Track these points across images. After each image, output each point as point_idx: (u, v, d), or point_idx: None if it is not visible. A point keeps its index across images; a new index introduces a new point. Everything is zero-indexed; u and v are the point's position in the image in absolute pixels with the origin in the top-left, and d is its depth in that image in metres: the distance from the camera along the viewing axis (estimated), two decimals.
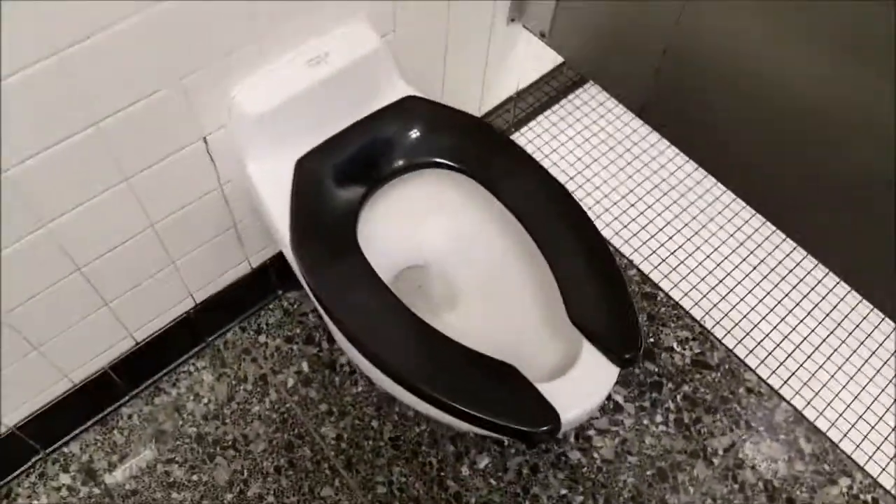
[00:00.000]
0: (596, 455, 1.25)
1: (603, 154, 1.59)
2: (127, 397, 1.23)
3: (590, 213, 1.51)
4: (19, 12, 0.67)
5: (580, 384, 0.86)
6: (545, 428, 0.82)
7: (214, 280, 1.21)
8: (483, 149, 1.02)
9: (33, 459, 1.18)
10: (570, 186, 1.54)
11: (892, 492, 1.25)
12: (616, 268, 0.95)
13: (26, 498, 1.15)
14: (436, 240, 1.12)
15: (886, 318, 1.42)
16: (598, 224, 1.49)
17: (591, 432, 1.27)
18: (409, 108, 1.02)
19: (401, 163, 1.00)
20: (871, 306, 1.43)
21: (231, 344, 1.31)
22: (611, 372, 0.88)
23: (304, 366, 1.29)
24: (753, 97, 1.02)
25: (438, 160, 1.00)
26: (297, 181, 0.95)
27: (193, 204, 1.04)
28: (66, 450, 1.20)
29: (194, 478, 1.18)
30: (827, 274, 1.46)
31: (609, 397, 1.30)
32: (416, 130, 1.01)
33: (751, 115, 1.05)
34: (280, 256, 1.29)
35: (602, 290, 0.93)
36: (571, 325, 0.91)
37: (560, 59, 1.53)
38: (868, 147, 0.93)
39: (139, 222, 0.99)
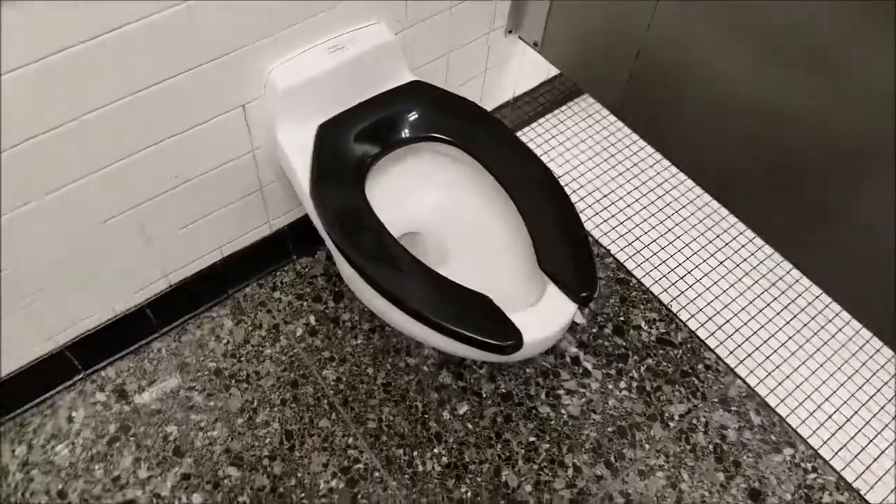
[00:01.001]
0: (563, 411, 1.41)
1: (590, 158, 1.79)
2: (158, 333, 1.43)
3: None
4: None
5: (543, 314, 1.05)
6: (510, 342, 1.00)
7: (240, 237, 1.40)
8: (475, 126, 1.21)
9: (75, 378, 1.37)
10: None
11: (831, 462, 1.39)
12: (580, 226, 1.13)
13: (67, 409, 1.34)
14: (431, 207, 1.31)
15: (843, 311, 1.57)
16: (581, 217, 1.68)
17: (561, 391, 1.43)
18: (414, 91, 1.22)
19: (404, 134, 1.19)
20: (830, 299, 1.58)
21: (249, 297, 1.50)
22: (569, 306, 1.05)
23: (312, 319, 1.48)
24: (710, 96, 1.21)
25: (436, 134, 1.19)
26: (318, 142, 1.15)
27: (230, 163, 1.24)
28: (103, 373, 1.38)
29: (211, 403, 1.36)
30: (789, 271, 1.62)
31: (578, 362, 1.47)
32: (419, 108, 1.21)
33: (708, 112, 1.23)
34: (296, 224, 1.48)
35: (567, 244, 1.11)
36: (540, 271, 1.09)
37: (555, 72, 1.73)
38: (806, 139, 1.10)
39: (185, 173, 1.19)
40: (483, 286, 1.12)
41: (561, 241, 1.11)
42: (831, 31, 0.98)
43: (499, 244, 1.23)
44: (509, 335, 1.00)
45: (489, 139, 1.20)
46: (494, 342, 1.00)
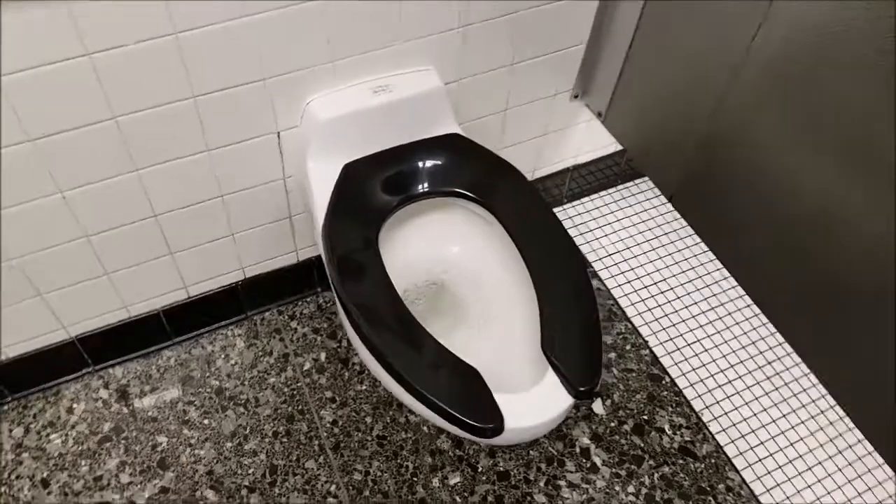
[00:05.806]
0: (560, 503, 1.31)
1: (647, 241, 1.69)
2: (171, 342, 1.43)
3: (617, 292, 1.60)
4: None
5: (533, 403, 0.97)
6: (490, 426, 0.92)
7: (264, 261, 1.40)
8: (506, 188, 1.16)
9: (83, 371, 1.39)
10: (602, 264, 1.65)
11: None
12: (596, 316, 1.05)
13: (69, 400, 1.36)
14: (453, 263, 1.26)
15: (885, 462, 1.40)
16: (623, 303, 1.58)
17: (562, 483, 1.33)
18: (451, 144, 1.19)
19: (430, 186, 1.15)
20: (864, 436, 1.41)
21: (266, 322, 1.49)
22: (564, 399, 0.97)
23: (322, 356, 1.45)
24: (769, 200, 1.12)
25: (462, 191, 1.15)
26: (340, 181, 1.13)
27: (259, 188, 1.24)
28: (111, 371, 1.40)
29: (205, 422, 1.35)
30: (833, 406, 1.46)
31: (588, 455, 1.36)
32: (450, 162, 1.17)
33: (763, 216, 1.13)
34: None
35: (577, 331, 1.03)
36: (542, 353, 1.01)
37: (620, 146, 1.66)
38: (863, 257, 0.99)
39: (211, 190, 1.20)
40: (485, 357, 1.06)
41: (570, 325, 1.03)
42: None
43: (511, 316, 1.16)
44: (489, 418, 0.93)
45: (518, 204, 1.15)
46: (471, 422, 0.93)
